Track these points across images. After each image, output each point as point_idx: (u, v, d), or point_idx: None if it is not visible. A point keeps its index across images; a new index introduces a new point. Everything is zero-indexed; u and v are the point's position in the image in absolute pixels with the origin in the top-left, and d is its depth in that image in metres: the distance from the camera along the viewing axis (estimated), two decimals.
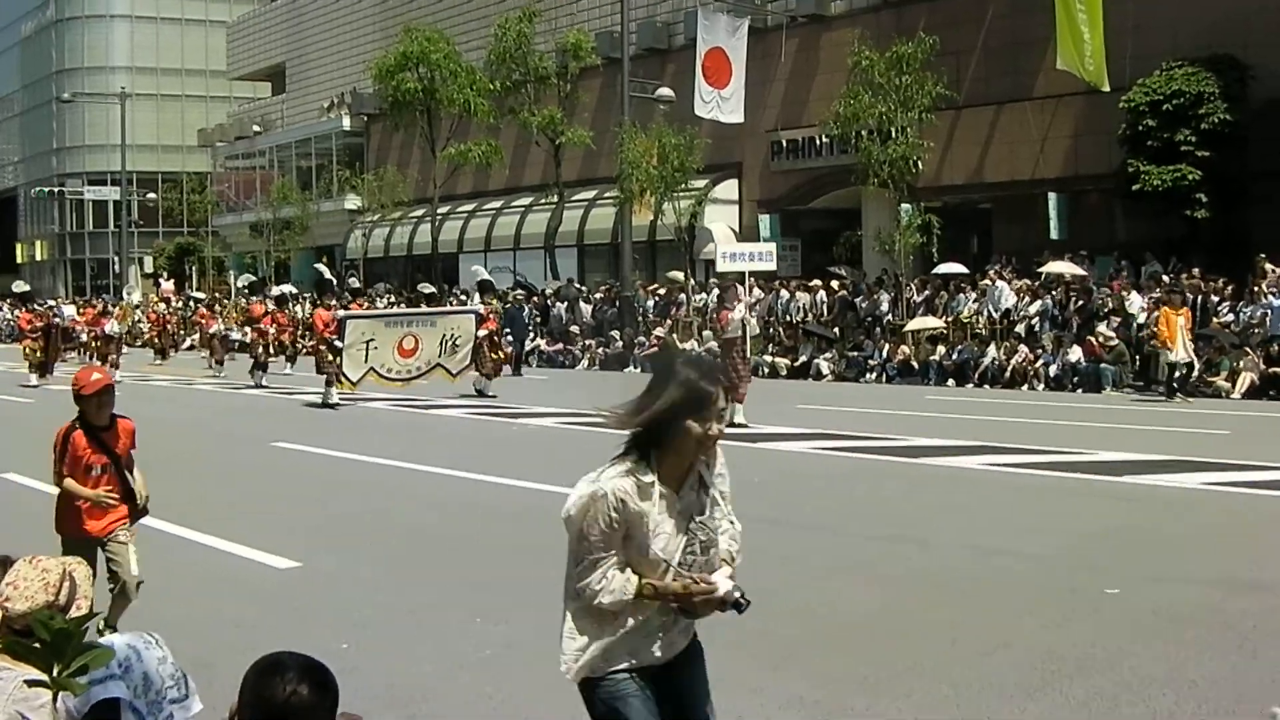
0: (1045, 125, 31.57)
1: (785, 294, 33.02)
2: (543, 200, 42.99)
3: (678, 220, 34.90)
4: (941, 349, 27.95)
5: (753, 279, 27.29)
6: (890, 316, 30.24)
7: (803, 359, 30.23)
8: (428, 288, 31.42)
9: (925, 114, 29.74)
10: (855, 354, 29.41)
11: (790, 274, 36.72)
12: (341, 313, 22.78)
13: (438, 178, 43.88)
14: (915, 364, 28.07)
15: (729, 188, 39.16)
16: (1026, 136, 31.74)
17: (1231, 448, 14.17)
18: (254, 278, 32.94)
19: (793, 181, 37.39)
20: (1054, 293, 27.78)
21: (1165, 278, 26.37)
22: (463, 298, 39.36)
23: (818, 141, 36.14)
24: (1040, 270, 28.79)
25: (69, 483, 7.01)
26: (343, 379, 21.45)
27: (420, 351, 22.00)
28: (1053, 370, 25.65)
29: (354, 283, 33.30)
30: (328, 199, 54.00)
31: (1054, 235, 30.64)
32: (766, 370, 30.42)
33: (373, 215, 48.30)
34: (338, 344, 21.45)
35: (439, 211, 45.59)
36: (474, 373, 23.35)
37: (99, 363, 27.81)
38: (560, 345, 35.54)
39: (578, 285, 39.42)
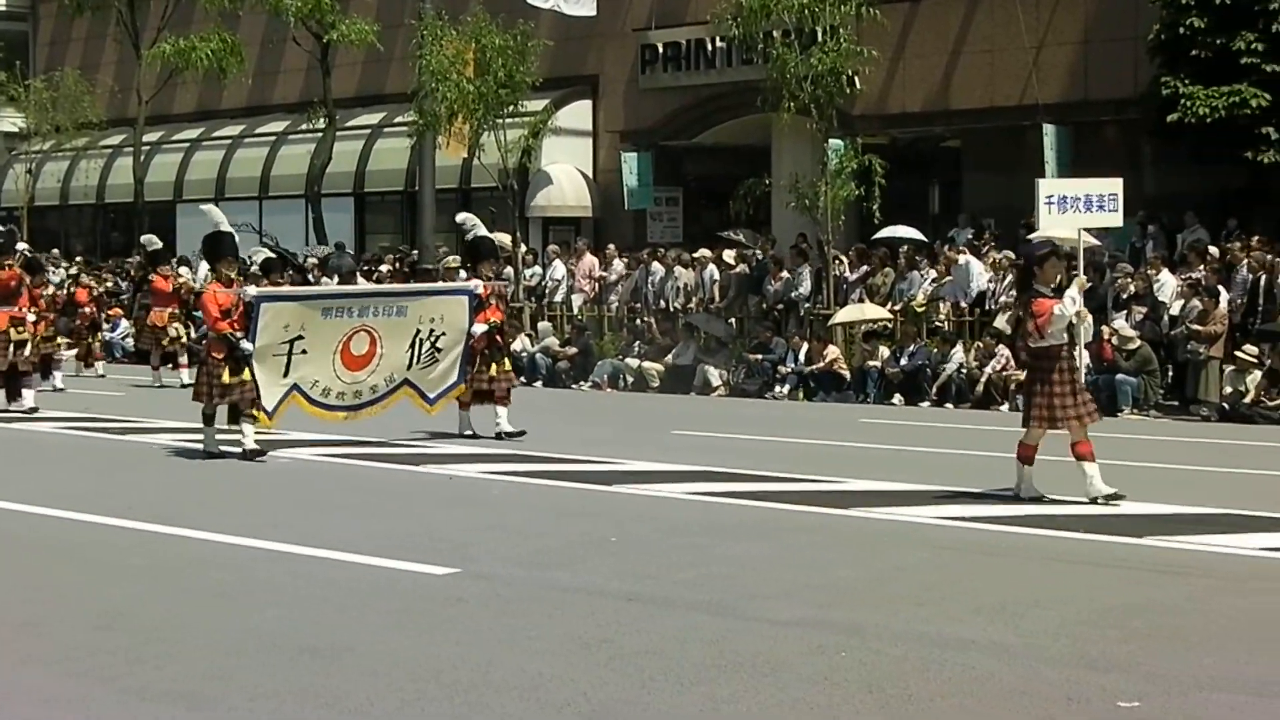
0: (1042, 26, 31.86)
1: (658, 269, 32.82)
2: (304, 127, 42.43)
3: (503, 159, 34.64)
4: (885, 351, 27.97)
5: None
6: (811, 303, 30.19)
7: (680, 363, 30.03)
8: (261, 252, 28.37)
9: (866, 8, 29.88)
10: (759, 357, 29.32)
11: (666, 240, 36.62)
12: (253, 289, 19.00)
13: (144, 89, 42.94)
14: (846, 372, 28.05)
15: (578, 113, 39.13)
16: (1014, 43, 31.99)
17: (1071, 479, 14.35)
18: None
19: (671, 105, 37.38)
20: None
21: (1213, 249, 26.64)
22: (183, 272, 38.77)
23: (709, 47, 36.24)
24: (1030, 238, 28.86)
25: None
26: (256, 409, 18.18)
27: (379, 359, 18.94)
28: None
29: (149, 241, 32.00)
30: None
31: None
32: (630, 380, 30.21)
33: (43, 142, 47.18)
34: (246, 345, 18.00)
35: (146, 140, 44.71)
36: (462, 397, 20.10)
37: None
38: None
39: (353, 253, 38.87)
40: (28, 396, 24.08)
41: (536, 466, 17.27)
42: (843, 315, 29.12)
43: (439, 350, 19.40)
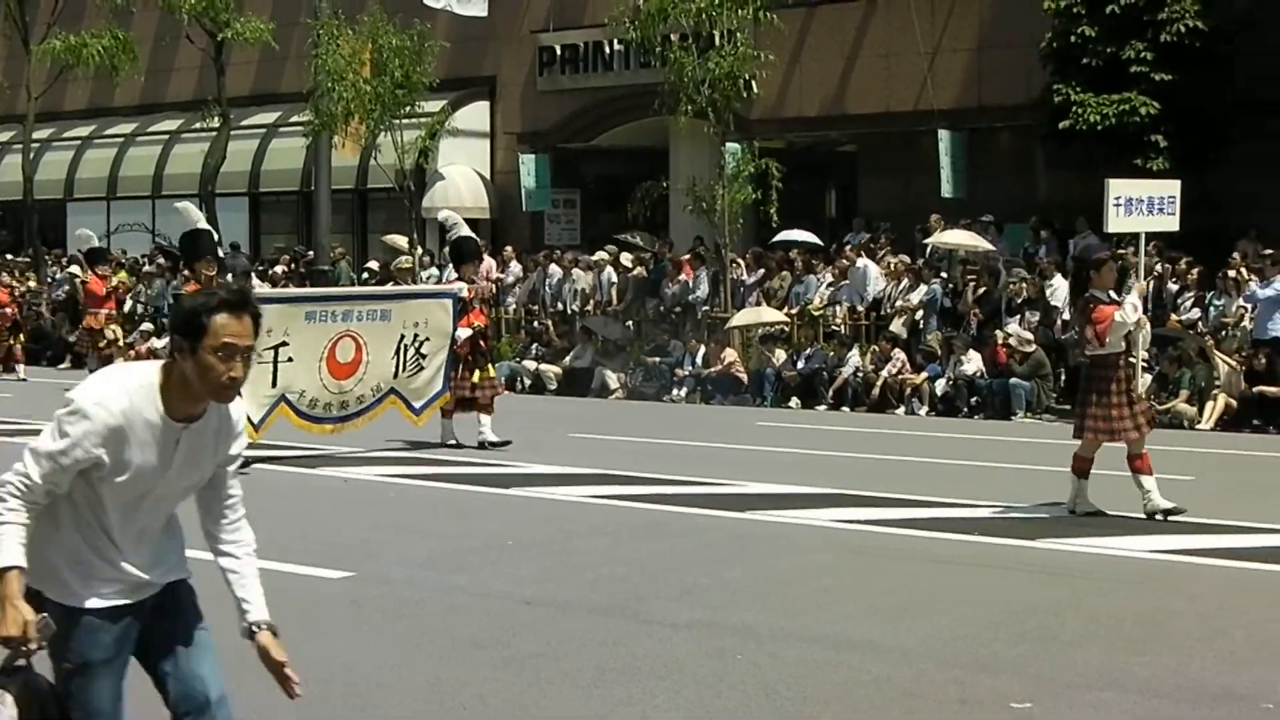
0: (937, 32, 32.05)
1: (556, 271, 32.81)
2: (197, 126, 42.09)
3: (400, 160, 34.48)
4: (782, 354, 28.06)
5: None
6: (709, 306, 30.25)
7: (578, 365, 30.03)
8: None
9: (763, 12, 29.97)
10: (656, 360, 29.35)
11: (564, 242, 36.61)
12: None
13: (33, 85, 42.47)
14: (743, 375, 28.12)
15: (476, 114, 39.04)
16: (909, 48, 32.17)
17: (1195, 501, 14.37)
18: None
19: (569, 108, 37.33)
20: (945, 275, 28.11)
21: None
22: (74, 271, 38.37)
23: (606, 50, 36.19)
24: (926, 242, 29.11)
25: None
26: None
27: (365, 367, 18.12)
28: (941, 386, 25.97)
29: (85, 239, 31.25)
30: None
31: (946, 192, 31.20)
32: (527, 383, 30.20)
33: None
34: None
35: (36, 138, 44.18)
36: (446, 406, 19.22)
37: None
38: None
39: (248, 253, 38.62)
40: None
41: (433, 469, 17.22)
42: (740, 318, 29.18)
43: (423, 356, 18.55)
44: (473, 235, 21.22)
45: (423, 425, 19.02)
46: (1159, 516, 13.73)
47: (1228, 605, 10.59)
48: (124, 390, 5.37)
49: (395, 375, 18.34)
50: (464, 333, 19.00)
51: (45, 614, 5.26)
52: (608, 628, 9.75)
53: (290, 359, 17.43)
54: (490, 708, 7.85)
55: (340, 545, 12.46)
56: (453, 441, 19.34)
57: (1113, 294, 14.17)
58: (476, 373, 19.45)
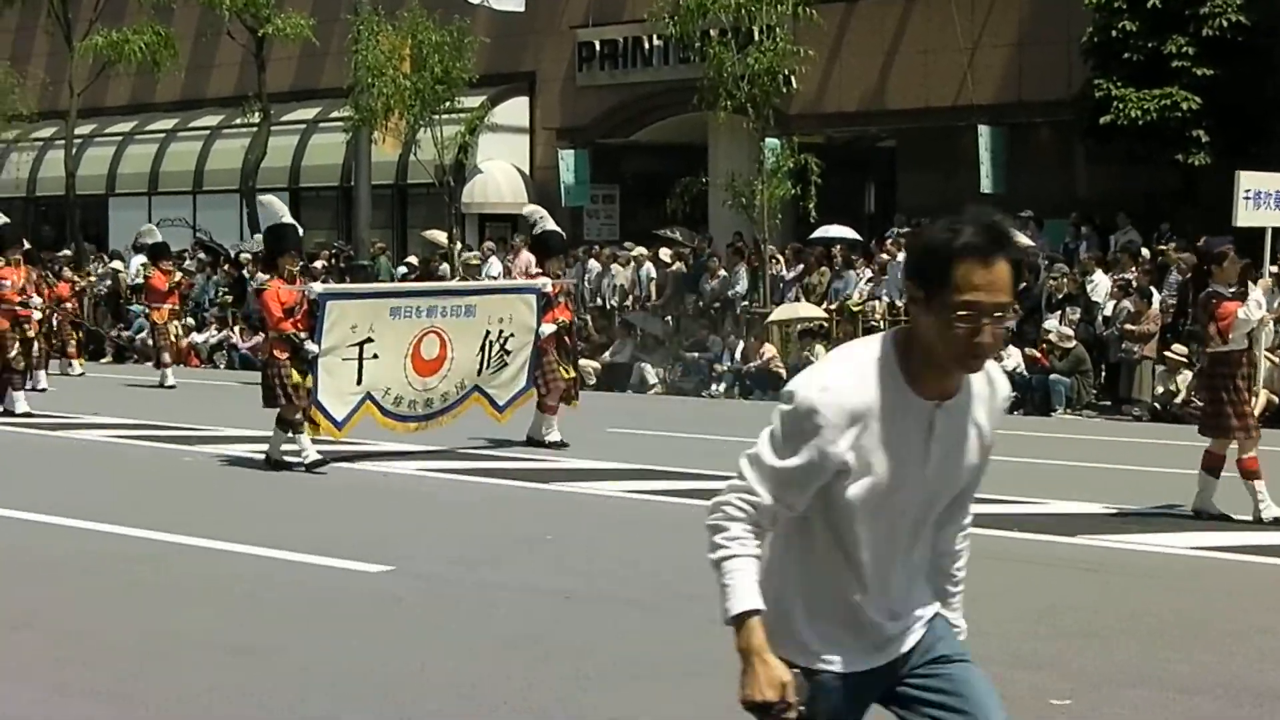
0: (977, 28, 31.99)
1: (595, 266, 32.80)
2: (238, 121, 42.23)
3: (439, 155, 34.52)
4: (821, 349, 28.00)
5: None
6: (748, 302, 30.25)
7: (617, 360, 30.05)
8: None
9: (802, 8, 29.91)
10: (695, 355, 29.34)
11: (603, 237, 36.61)
12: (319, 286, 17.82)
13: (76, 82, 42.66)
14: (783, 371, 28.11)
15: (515, 110, 39.10)
16: (949, 44, 32.11)
17: (1237, 498, 14.31)
18: None
19: (609, 103, 37.34)
20: None
21: (1145, 250, 26.85)
22: (115, 266, 38.54)
23: (646, 45, 36.20)
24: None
25: None
26: (318, 417, 16.62)
27: (450, 364, 17.69)
28: None
29: (149, 232, 31.51)
30: None
31: (985, 188, 31.10)
32: None
33: None
34: (311, 346, 16.58)
35: (78, 133, 44.43)
36: (533, 400, 18.84)
37: None
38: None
39: None
40: (18, 399, 22.70)
41: (472, 464, 17.22)
42: (778, 314, 29.16)
43: (508, 352, 18.19)
44: (559, 230, 20.71)
45: (506, 422, 18.69)
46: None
47: (1268, 602, 10.57)
48: (853, 368, 4.23)
49: (479, 372, 17.98)
50: (548, 328, 18.56)
51: (797, 669, 4.44)
52: (648, 623, 9.75)
53: (376, 356, 17.04)
54: (531, 703, 7.85)
55: (378, 539, 12.48)
56: (557, 438, 18.80)
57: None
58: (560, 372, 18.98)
